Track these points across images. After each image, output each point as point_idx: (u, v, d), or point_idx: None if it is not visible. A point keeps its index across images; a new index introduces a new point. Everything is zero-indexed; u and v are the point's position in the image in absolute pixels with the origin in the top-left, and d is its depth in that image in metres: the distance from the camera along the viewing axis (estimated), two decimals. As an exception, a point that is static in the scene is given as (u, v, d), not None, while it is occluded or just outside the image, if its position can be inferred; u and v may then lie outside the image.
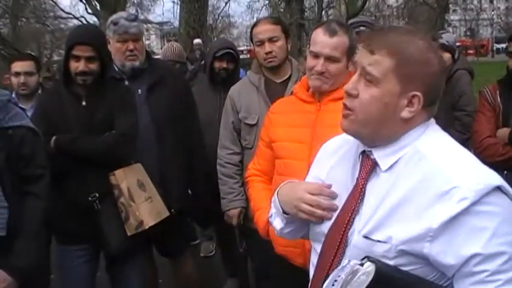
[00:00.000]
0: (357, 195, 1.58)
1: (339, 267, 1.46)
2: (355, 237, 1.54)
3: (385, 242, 1.46)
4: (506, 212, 1.39)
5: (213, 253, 5.75)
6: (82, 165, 3.07)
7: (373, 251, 1.48)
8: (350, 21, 4.56)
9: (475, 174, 1.43)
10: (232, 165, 3.53)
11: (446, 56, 4.54)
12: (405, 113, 1.51)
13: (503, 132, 3.51)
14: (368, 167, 1.58)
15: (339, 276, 1.41)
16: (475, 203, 1.36)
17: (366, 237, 1.51)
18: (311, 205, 1.67)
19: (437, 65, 1.53)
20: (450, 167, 1.44)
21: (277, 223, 1.87)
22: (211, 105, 4.08)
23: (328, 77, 2.51)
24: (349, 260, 1.45)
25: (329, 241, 1.62)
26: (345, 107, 1.57)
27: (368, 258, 1.42)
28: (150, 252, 3.88)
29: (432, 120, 1.59)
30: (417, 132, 1.54)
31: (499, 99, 3.58)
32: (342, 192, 1.64)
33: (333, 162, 1.75)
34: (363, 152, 1.61)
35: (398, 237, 1.44)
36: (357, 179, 1.60)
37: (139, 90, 3.49)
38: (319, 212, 1.67)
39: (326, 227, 1.66)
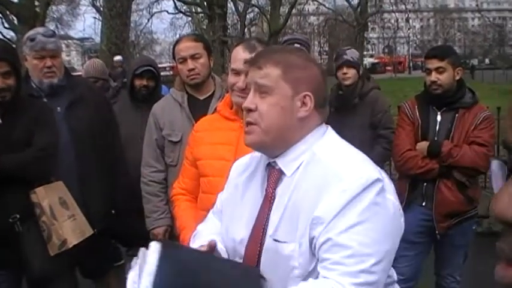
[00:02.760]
0: (267, 203, 1.68)
1: (134, 258, 1.57)
2: (267, 241, 1.63)
3: (289, 242, 1.56)
4: (381, 212, 1.52)
5: (138, 273, 5.62)
6: (0, 185, 2.93)
7: (280, 252, 1.58)
8: (284, 39, 4.60)
9: (359, 169, 1.56)
10: (156, 183, 3.49)
11: (352, 72, 4.54)
12: (301, 113, 1.66)
13: (422, 145, 3.64)
14: (275, 176, 1.69)
15: (135, 263, 1.54)
16: (357, 195, 1.50)
17: (275, 240, 1.60)
18: None
19: (317, 70, 1.73)
20: (340, 165, 1.58)
21: None
22: (133, 122, 4.03)
23: None
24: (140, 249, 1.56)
25: (249, 251, 1.69)
26: (247, 122, 1.69)
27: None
28: (74, 275, 3.76)
29: (329, 127, 1.75)
30: (313, 137, 1.69)
31: (417, 113, 3.72)
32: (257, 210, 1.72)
33: (242, 182, 1.83)
34: (268, 164, 1.72)
35: (299, 235, 1.54)
36: (266, 189, 1.70)
37: (59, 108, 3.39)
38: None
39: (243, 237, 1.72)
